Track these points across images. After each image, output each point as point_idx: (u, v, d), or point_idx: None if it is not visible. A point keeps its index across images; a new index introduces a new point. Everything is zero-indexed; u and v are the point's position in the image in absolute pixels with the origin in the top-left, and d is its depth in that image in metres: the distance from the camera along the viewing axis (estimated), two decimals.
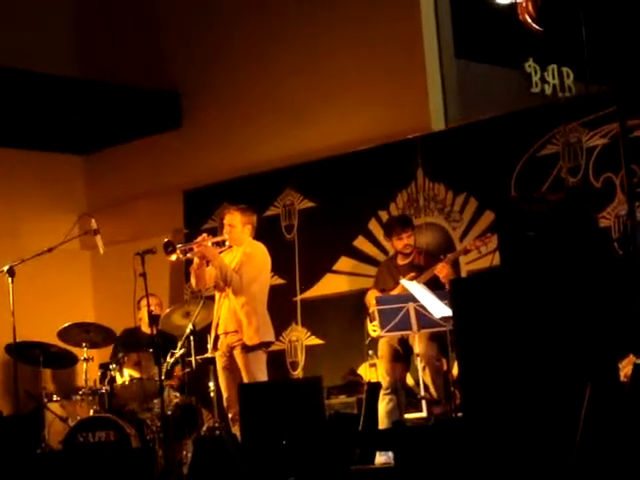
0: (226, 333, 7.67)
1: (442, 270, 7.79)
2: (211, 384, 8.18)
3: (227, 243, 7.86)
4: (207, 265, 7.76)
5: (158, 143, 10.73)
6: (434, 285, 7.72)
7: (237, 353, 7.60)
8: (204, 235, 7.86)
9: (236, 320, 7.63)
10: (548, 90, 10.29)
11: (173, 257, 7.63)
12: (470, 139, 8.68)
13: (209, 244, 7.75)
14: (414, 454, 5.41)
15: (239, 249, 7.83)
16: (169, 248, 7.57)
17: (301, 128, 9.74)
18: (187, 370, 8.14)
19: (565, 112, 8.25)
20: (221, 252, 7.83)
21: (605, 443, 3.76)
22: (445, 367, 7.73)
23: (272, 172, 9.76)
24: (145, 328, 8.91)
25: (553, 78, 10.42)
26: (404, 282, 7.72)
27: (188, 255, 7.85)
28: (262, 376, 7.59)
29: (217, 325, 7.75)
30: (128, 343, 8.82)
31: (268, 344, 7.76)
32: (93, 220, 8.04)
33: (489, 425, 4.92)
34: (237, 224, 7.84)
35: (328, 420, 6.57)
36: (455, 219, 8.75)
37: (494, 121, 8.61)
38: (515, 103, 9.05)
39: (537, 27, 5.46)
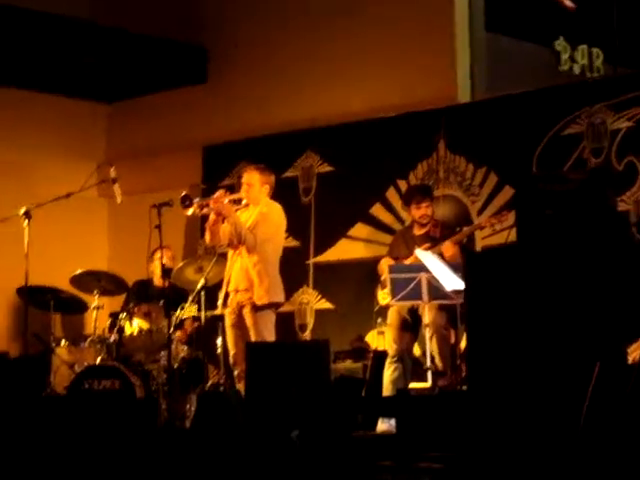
0: (237, 291, 7.68)
1: (448, 249, 7.74)
2: (219, 340, 8.22)
3: (244, 201, 7.85)
4: (222, 222, 7.75)
5: (182, 97, 10.72)
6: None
7: (246, 311, 7.61)
8: (221, 191, 7.85)
9: (247, 279, 7.63)
10: (577, 70, 10.23)
11: (189, 211, 7.63)
12: (495, 113, 8.64)
13: (226, 201, 7.73)
14: (416, 423, 5.43)
15: (255, 208, 7.81)
16: (186, 202, 7.56)
17: (326, 91, 9.71)
18: (196, 325, 8.17)
19: (592, 93, 8.20)
20: (237, 210, 7.81)
21: (609, 423, 3.76)
22: (453, 339, 7.73)
23: (293, 134, 9.74)
24: (157, 281, 8.92)
25: (582, 58, 10.36)
26: (418, 252, 7.70)
27: (204, 210, 7.84)
28: (270, 336, 7.60)
29: (228, 282, 7.75)
30: (139, 294, 8.84)
31: (278, 305, 7.76)
32: (112, 169, 8.03)
33: (493, 400, 4.93)
34: (255, 183, 7.82)
35: (333, 383, 6.58)
36: (474, 193, 8.73)
37: (520, 97, 8.56)
38: (542, 80, 9.00)
39: (571, 4, 5.42)
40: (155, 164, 10.71)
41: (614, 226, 5.50)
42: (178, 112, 10.73)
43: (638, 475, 3.64)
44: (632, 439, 3.69)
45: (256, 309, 7.56)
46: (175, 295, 8.06)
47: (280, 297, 7.75)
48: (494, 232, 8.07)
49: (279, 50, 10.14)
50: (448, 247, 7.76)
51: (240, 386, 7.48)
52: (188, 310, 8.11)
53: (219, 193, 7.79)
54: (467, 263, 5.65)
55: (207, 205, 7.76)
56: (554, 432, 4.33)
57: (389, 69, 9.36)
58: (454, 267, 7.35)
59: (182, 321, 8.43)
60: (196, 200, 7.69)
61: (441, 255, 7.76)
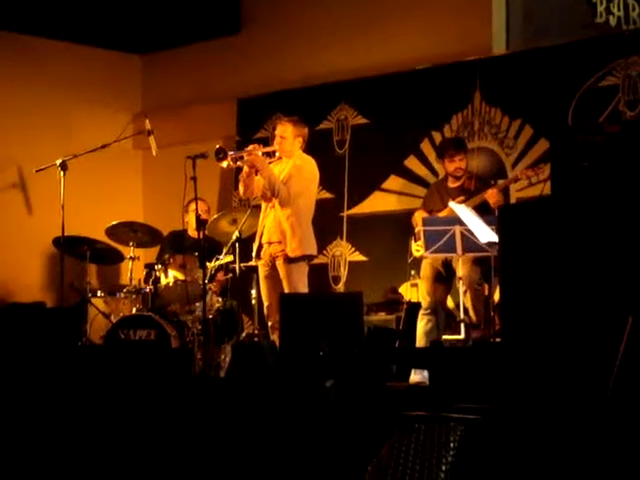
0: (270, 243, 7.71)
1: (492, 196, 7.76)
2: (253, 292, 8.27)
3: (277, 154, 7.85)
4: (256, 174, 7.77)
5: (216, 48, 10.69)
6: (482, 210, 7.70)
7: (279, 263, 7.64)
8: (255, 144, 7.85)
9: (280, 231, 7.66)
10: (612, 21, 10.08)
11: (224, 164, 7.64)
12: (530, 65, 8.57)
13: (259, 154, 7.74)
14: (449, 374, 5.45)
15: (289, 161, 7.82)
16: (220, 154, 7.58)
17: (360, 43, 9.67)
18: (230, 276, 8.22)
19: (628, 44, 8.12)
20: (271, 163, 7.82)
21: None
22: (487, 292, 7.74)
23: (327, 85, 9.71)
24: (191, 232, 8.96)
25: (618, 10, 10.21)
26: (452, 205, 7.70)
27: (238, 163, 7.85)
28: (303, 287, 7.64)
29: (261, 234, 7.78)
30: (174, 245, 8.89)
31: (310, 257, 7.78)
32: (147, 120, 8.05)
33: (527, 352, 4.94)
34: (288, 136, 7.82)
35: (366, 333, 6.60)
36: (509, 145, 8.69)
37: (556, 49, 8.49)
38: (578, 32, 8.90)
39: None
40: (190, 116, 10.71)
41: None
42: (212, 63, 10.72)
43: None
44: None
45: (289, 261, 7.59)
46: (209, 247, 8.11)
47: (313, 250, 7.77)
48: (529, 185, 8.06)
49: (312, 1, 10.09)
50: (492, 194, 7.76)
51: (274, 337, 7.54)
52: (223, 260, 8.16)
53: (253, 146, 7.80)
54: (501, 215, 5.64)
55: (241, 158, 7.77)
56: (587, 385, 4.34)
57: (424, 21, 9.30)
58: (488, 220, 7.35)
59: (215, 272, 8.48)
60: (230, 153, 7.70)
61: (483, 202, 7.76)
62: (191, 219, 8.81)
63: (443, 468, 2.70)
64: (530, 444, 4.05)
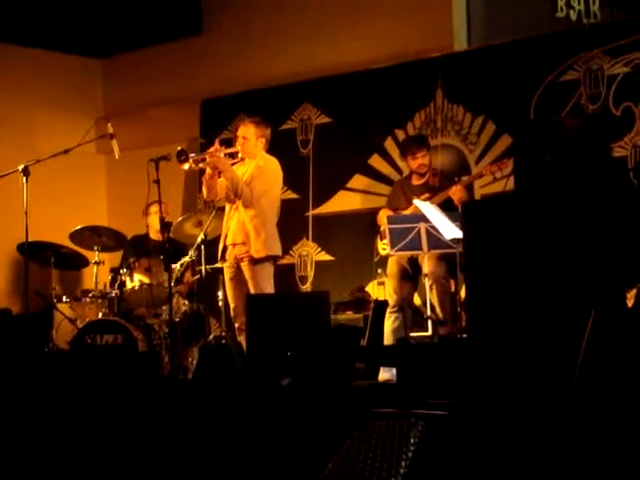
0: (234, 244, 7.69)
1: (456, 193, 7.78)
2: (220, 294, 8.26)
3: (240, 155, 7.83)
4: (219, 176, 7.75)
5: (177, 49, 10.66)
6: (447, 207, 7.71)
7: (244, 265, 7.62)
8: (217, 146, 7.78)
9: (244, 232, 7.63)
10: (573, 15, 10.17)
11: (185, 166, 7.60)
12: (492, 61, 8.59)
13: (222, 155, 7.72)
14: (417, 371, 5.46)
15: (252, 162, 7.80)
16: (182, 157, 7.54)
17: (322, 42, 9.67)
18: (196, 277, 8.19)
19: (588, 39, 8.17)
20: (234, 164, 7.79)
21: (606, 369, 3.79)
22: (453, 288, 7.75)
23: (291, 85, 9.71)
24: (153, 235, 8.95)
25: (579, 4, 10.29)
26: (417, 202, 7.71)
27: (200, 165, 7.83)
28: (269, 288, 7.62)
29: (226, 236, 7.76)
30: (136, 249, 8.85)
31: (275, 258, 7.76)
32: (109, 124, 8.01)
33: (493, 347, 4.95)
34: (251, 137, 7.80)
35: (331, 331, 6.60)
36: (472, 141, 8.71)
37: (517, 44, 8.52)
38: (539, 27, 8.94)
39: None
40: (153, 118, 10.68)
41: (612, 171, 5.50)
42: (174, 65, 10.69)
43: (635, 414, 3.68)
44: (629, 382, 3.73)
45: (254, 262, 7.57)
46: (174, 249, 8.08)
47: (277, 250, 7.75)
48: (493, 180, 8.08)
49: (273, 1, 10.08)
50: (456, 190, 7.78)
51: (242, 338, 7.52)
52: (184, 259, 8.12)
53: (214, 147, 7.75)
54: (465, 212, 5.66)
55: (203, 159, 7.75)
56: (552, 378, 4.36)
57: (385, 19, 9.31)
58: (452, 216, 7.37)
59: (182, 275, 8.46)
60: (192, 155, 7.66)
61: (448, 199, 7.78)
62: (152, 221, 8.82)
63: (403, 464, 2.70)
64: (496, 438, 4.06)
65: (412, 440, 2.89)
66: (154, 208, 8.99)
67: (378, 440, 2.90)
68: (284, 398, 4.94)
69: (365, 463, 2.71)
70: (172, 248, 7.75)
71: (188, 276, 8.51)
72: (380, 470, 2.65)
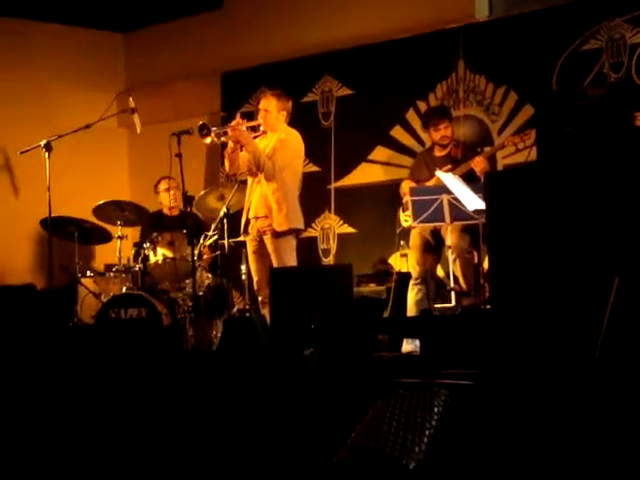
0: (257, 218, 7.70)
1: (479, 164, 7.76)
2: (243, 267, 8.28)
3: (261, 128, 7.82)
4: (241, 149, 7.75)
5: (198, 23, 10.65)
6: (470, 178, 7.70)
7: (267, 238, 7.63)
8: (238, 119, 7.78)
9: (267, 206, 7.64)
10: None
11: (207, 140, 7.61)
12: (513, 31, 8.53)
13: (243, 128, 7.71)
14: (440, 342, 5.46)
15: (273, 135, 7.79)
16: (204, 131, 7.54)
17: (343, 14, 9.63)
18: (219, 252, 8.21)
19: (610, 7, 8.10)
20: (255, 137, 7.79)
21: (631, 336, 3.78)
22: (476, 260, 7.74)
23: (311, 58, 9.67)
24: (167, 211, 9.01)
25: None
26: (439, 174, 7.70)
27: (222, 139, 7.83)
28: (292, 261, 7.63)
29: (248, 210, 7.77)
30: (153, 226, 8.86)
31: (297, 231, 7.78)
32: (131, 98, 8.01)
33: (516, 318, 4.95)
34: (272, 110, 7.79)
35: (353, 303, 6.61)
36: (494, 112, 8.67)
37: (538, 14, 8.45)
38: None
39: None
40: (174, 92, 10.68)
41: (635, 140, 5.46)
42: (195, 39, 10.68)
43: None
44: None
45: (276, 235, 7.59)
46: (196, 224, 8.10)
47: (299, 223, 7.76)
48: (516, 151, 8.04)
49: None
50: (479, 162, 7.76)
51: (265, 311, 7.54)
52: (210, 239, 8.15)
53: (236, 120, 7.74)
54: (488, 183, 5.64)
55: (225, 133, 7.75)
56: (576, 347, 4.35)
57: None
58: (475, 187, 7.35)
59: (205, 249, 8.47)
60: (214, 129, 7.66)
61: (470, 170, 7.76)
62: (163, 199, 8.94)
63: (427, 432, 2.70)
64: (519, 408, 4.06)
65: (436, 409, 2.90)
66: (163, 185, 9.04)
67: (401, 409, 2.91)
68: (306, 368, 4.95)
69: (389, 432, 2.71)
70: (194, 223, 7.78)
71: (207, 251, 8.51)
72: (404, 439, 2.66)
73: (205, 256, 8.47)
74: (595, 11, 8.16)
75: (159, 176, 9.15)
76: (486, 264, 7.27)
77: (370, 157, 9.34)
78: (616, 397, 3.74)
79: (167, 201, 9.04)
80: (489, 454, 3.60)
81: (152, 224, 8.91)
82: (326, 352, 5.17)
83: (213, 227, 8.10)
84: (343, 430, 3.18)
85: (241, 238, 7.91)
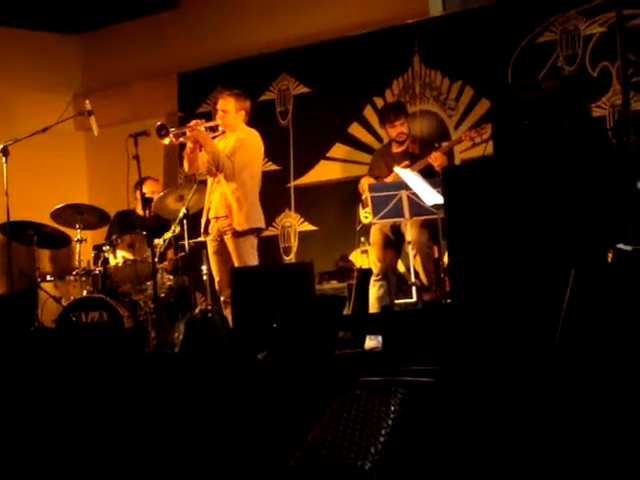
0: (217, 218, 7.69)
1: (436, 159, 7.80)
2: (204, 267, 8.25)
3: (220, 128, 7.82)
4: (200, 150, 7.74)
5: (154, 24, 10.59)
6: (428, 173, 7.73)
7: (228, 238, 7.63)
8: (197, 119, 7.81)
9: (227, 205, 7.64)
10: None
11: (166, 141, 7.59)
12: (468, 26, 8.57)
13: (202, 129, 7.71)
14: (401, 338, 5.48)
15: (232, 135, 7.79)
16: (162, 131, 7.52)
17: (298, 12, 9.63)
18: (180, 253, 8.19)
19: None
20: (214, 137, 7.79)
21: (587, 329, 3.82)
22: (436, 254, 7.78)
23: (268, 56, 9.67)
24: (140, 210, 8.95)
25: None
26: (397, 170, 7.73)
27: (181, 139, 7.82)
28: (253, 261, 7.63)
29: (208, 210, 7.77)
30: (122, 225, 8.84)
31: (258, 230, 7.77)
32: (87, 101, 7.98)
33: (476, 311, 4.97)
34: (230, 109, 7.78)
35: (314, 302, 6.62)
36: (451, 107, 8.71)
37: (492, 8, 8.50)
38: None
39: None
40: (131, 94, 10.62)
41: (591, 131, 5.51)
42: (151, 39, 10.62)
43: (615, 373, 3.72)
44: (609, 341, 3.76)
45: (237, 235, 7.58)
46: (158, 225, 8.07)
47: (260, 223, 7.76)
48: (473, 145, 8.08)
49: None
50: (436, 157, 7.80)
51: (227, 312, 7.53)
52: (166, 235, 8.11)
53: (195, 121, 7.75)
54: (445, 177, 5.66)
55: (184, 134, 7.73)
56: (534, 341, 4.39)
57: None
58: (433, 182, 7.38)
59: (165, 251, 8.45)
60: (172, 129, 7.65)
61: (428, 166, 7.79)
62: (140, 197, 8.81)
63: (383, 432, 2.71)
64: (480, 403, 4.08)
65: (393, 408, 2.90)
66: (149, 187, 8.92)
67: (358, 409, 2.92)
68: (260, 371, 4.96)
69: (345, 432, 2.72)
70: (157, 224, 7.76)
71: (171, 252, 8.49)
72: (360, 440, 2.66)
73: (169, 257, 8.45)
74: (549, 3, 8.21)
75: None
76: (446, 259, 7.31)
77: (329, 155, 9.35)
78: (574, 390, 3.77)
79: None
80: (448, 451, 3.63)
81: (122, 223, 8.87)
82: (287, 352, 5.17)
83: (173, 228, 8.08)
84: (302, 431, 3.18)
85: (201, 238, 7.90)
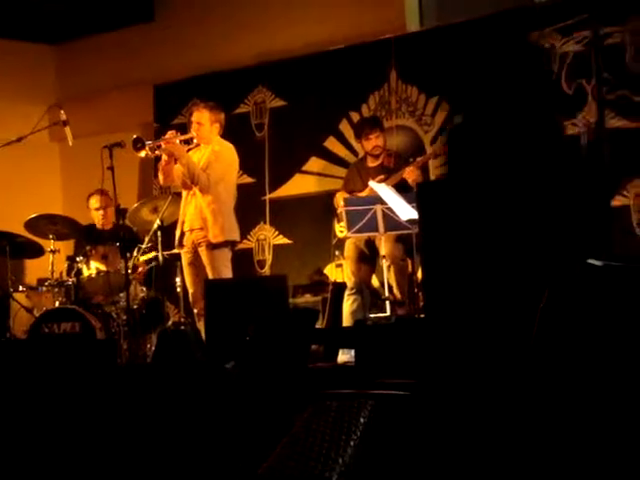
0: (192, 230, 7.69)
1: (411, 174, 7.82)
2: (178, 280, 8.23)
3: (195, 141, 7.82)
4: (175, 162, 7.73)
5: (130, 35, 10.59)
6: (403, 188, 7.75)
7: (202, 250, 7.63)
8: (172, 132, 7.80)
9: (202, 218, 7.64)
10: None
11: (142, 153, 7.58)
12: (445, 41, 8.59)
13: (177, 141, 7.71)
14: (374, 352, 5.47)
15: (207, 147, 7.80)
16: (138, 144, 7.51)
17: (275, 26, 9.64)
18: (154, 265, 8.17)
19: (540, 17, 8.19)
20: (189, 150, 7.79)
21: (558, 343, 3.83)
22: (410, 269, 7.79)
23: (244, 69, 9.68)
24: (99, 225, 8.93)
25: None
26: (372, 184, 7.75)
27: (156, 152, 7.81)
28: (227, 273, 7.63)
29: (183, 222, 7.76)
30: (88, 238, 8.79)
31: (233, 243, 7.78)
32: (62, 111, 7.96)
33: (450, 326, 4.98)
34: (205, 122, 7.79)
35: (287, 315, 6.61)
36: (426, 122, 8.73)
37: (469, 24, 8.53)
38: (491, 6, 8.94)
39: None
40: (106, 105, 10.61)
41: (563, 148, 5.53)
42: (127, 51, 10.62)
43: (588, 390, 3.73)
44: (583, 356, 3.77)
45: (212, 247, 7.58)
46: (128, 236, 8.05)
47: (235, 235, 7.77)
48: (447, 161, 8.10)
49: None
50: (411, 171, 7.82)
51: (201, 324, 7.51)
52: (147, 255, 8.10)
53: (170, 134, 7.75)
54: (420, 192, 5.67)
55: (159, 146, 7.73)
56: (507, 356, 4.39)
57: (337, 2, 9.30)
58: (408, 197, 7.39)
59: (140, 261, 8.41)
60: (148, 142, 7.63)
61: (404, 181, 7.81)
62: (94, 215, 8.84)
63: (352, 443, 2.71)
64: (452, 417, 4.09)
65: (362, 420, 2.90)
66: (93, 203, 8.90)
67: (327, 421, 2.91)
68: (228, 381, 4.94)
69: (314, 444, 2.72)
70: (126, 235, 7.74)
71: (143, 265, 8.44)
72: (328, 451, 2.66)
73: (140, 269, 8.40)
74: (525, 20, 8.24)
75: (92, 189, 9.06)
76: (420, 273, 7.32)
77: (304, 168, 9.35)
78: (548, 404, 3.78)
79: (97, 216, 8.95)
80: (419, 463, 3.62)
81: (86, 237, 8.83)
82: (259, 364, 5.16)
83: (147, 240, 8.05)
84: (272, 443, 3.17)
85: (175, 251, 7.88)
